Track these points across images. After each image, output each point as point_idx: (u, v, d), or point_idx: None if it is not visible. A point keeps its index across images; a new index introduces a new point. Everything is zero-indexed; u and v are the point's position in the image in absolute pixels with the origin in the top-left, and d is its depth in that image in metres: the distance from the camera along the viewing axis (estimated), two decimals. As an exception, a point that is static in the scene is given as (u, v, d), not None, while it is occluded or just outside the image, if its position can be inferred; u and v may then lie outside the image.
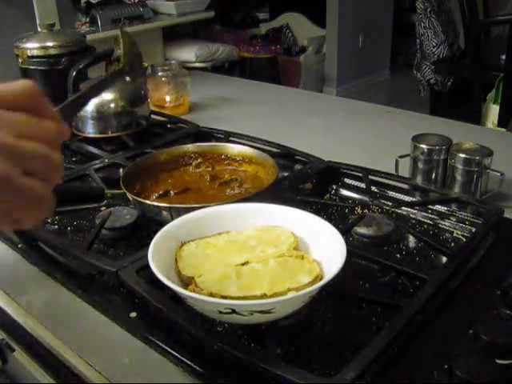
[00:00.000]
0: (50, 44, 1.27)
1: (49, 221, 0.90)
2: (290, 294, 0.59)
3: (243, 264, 0.66)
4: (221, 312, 0.57)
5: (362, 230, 0.81)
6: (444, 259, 0.77)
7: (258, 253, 0.69)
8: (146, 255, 0.64)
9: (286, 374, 0.53)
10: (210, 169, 1.00)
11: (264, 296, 0.59)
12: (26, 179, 0.39)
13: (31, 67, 1.27)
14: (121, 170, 1.03)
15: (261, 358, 0.56)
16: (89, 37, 1.49)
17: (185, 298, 0.60)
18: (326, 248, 0.67)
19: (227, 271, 0.65)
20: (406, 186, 0.95)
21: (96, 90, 0.71)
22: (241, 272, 0.65)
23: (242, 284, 0.62)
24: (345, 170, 1.00)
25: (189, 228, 0.72)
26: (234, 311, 0.57)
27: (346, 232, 0.76)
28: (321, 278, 0.63)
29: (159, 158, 1.00)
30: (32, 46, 1.26)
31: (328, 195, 0.98)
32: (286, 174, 1.04)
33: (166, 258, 0.67)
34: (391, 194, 0.95)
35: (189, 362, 0.60)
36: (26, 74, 1.28)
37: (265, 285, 0.62)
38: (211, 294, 0.60)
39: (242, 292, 0.60)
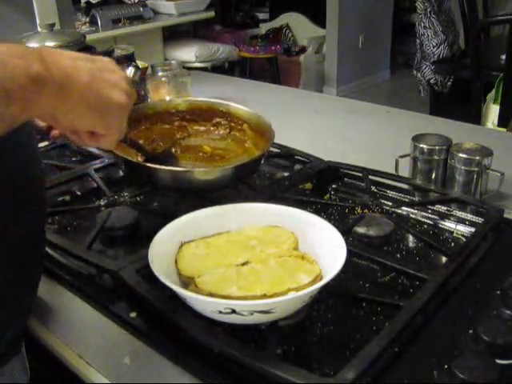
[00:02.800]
0: (50, 44, 1.26)
1: (49, 221, 0.90)
2: (291, 294, 0.59)
3: (243, 264, 0.66)
4: (221, 312, 0.57)
5: (361, 229, 0.81)
6: (444, 259, 0.77)
7: (258, 253, 0.69)
8: (146, 255, 0.64)
9: (286, 374, 0.53)
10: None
11: (264, 296, 0.59)
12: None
13: (31, 67, 1.27)
14: (121, 170, 1.03)
15: (261, 358, 0.56)
16: (89, 37, 1.49)
17: (185, 298, 0.60)
18: (325, 248, 0.67)
19: (227, 271, 0.65)
20: (406, 186, 0.95)
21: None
22: (241, 272, 0.65)
23: (242, 284, 0.62)
24: (345, 170, 1.00)
25: (189, 228, 0.72)
26: (233, 311, 0.57)
27: (346, 232, 0.76)
28: (321, 278, 0.63)
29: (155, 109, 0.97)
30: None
31: (328, 195, 0.98)
32: (285, 174, 1.04)
33: (166, 258, 0.67)
34: (391, 193, 0.95)
35: (189, 362, 0.60)
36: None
37: (265, 285, 0.62)
38: (211, 294, 0.60)
39: (242, 292, 0.60)
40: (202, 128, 0.98)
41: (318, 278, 0.63)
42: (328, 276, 0.60)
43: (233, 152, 0.93)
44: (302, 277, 0.63)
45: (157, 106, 0.98)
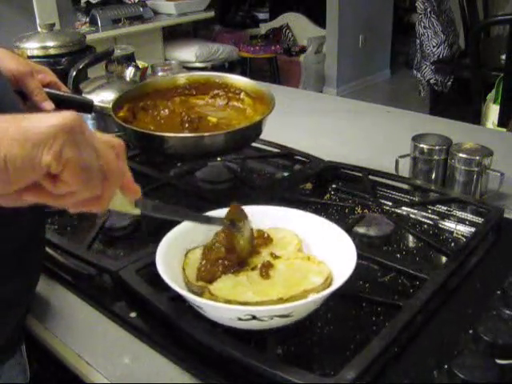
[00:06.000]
0: (50, 44, 1.27)
1: (49, 221, 0.90)
2: (311, 297, 0.59)
3: (252, 269, 0.66)
4: (240, 319, 0.57)
5: (362, 229, 0.81)
6: (444, 259, 0.77)
7: (264, 256, 0.68)
8: (146, 255, 0.64)
9: (286, 374, 0.53)
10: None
11: (281, 300, 0.59)
12: None
13: (31, 67, 1.27)
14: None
15: (261, 358, 0.56)
16: (89, 37, 1.49)
17: (200, 307, 0.59)
18: (330, 248, 0.67)
19: (238, 276, 0.64)
20: (406, 186, 0.95)
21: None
22: (252, 277, 0.64)
23: (256, 289, 0.61)
24: (345, 170, 1.00)
25: (192, 234, 0.70)
26: (254, 317, 0.56)
27: (346, 232, 0.76)
28: (331, 279, 0.63)
29: (157, 86, 1.00)
30: (32, 46, 1.26)
31: (328, 195, 0.98)
32: (285, 174, 1.04)
33: (172, 266, 0.65)
34: (391, 193, 0.95)
35: (189, 362, 0.60)
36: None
37: (279, 288, 0.61)
38: (228, 301, 0.59)
39: (258, 297, 0.60)
40: (201, 102, 1.00)
41: (329, 278, 0.63)
42: (344, 276, 0.59)
43: (235, 120, 0.95)
44: (314, 278, 0.62)
45: (156, 83, 1.01)
